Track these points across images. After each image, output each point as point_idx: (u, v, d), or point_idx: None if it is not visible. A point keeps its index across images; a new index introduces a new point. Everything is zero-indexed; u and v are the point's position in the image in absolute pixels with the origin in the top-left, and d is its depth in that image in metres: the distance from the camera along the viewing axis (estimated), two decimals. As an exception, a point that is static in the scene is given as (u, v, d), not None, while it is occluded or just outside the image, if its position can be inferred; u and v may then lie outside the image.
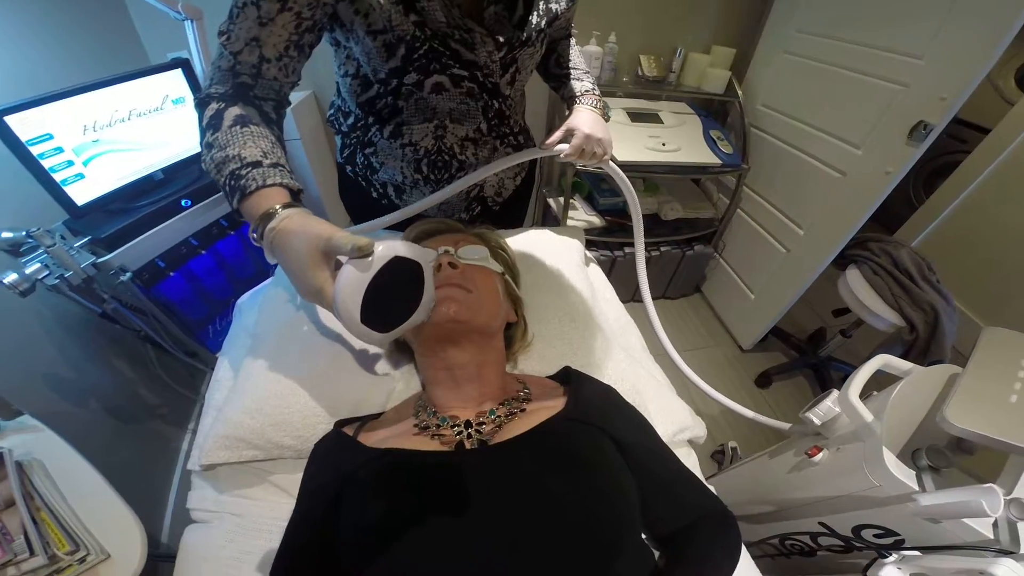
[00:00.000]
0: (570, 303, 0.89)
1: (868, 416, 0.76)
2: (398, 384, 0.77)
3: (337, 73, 0.81)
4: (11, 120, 0.92)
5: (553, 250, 1.03)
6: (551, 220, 2.02)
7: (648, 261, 1.97)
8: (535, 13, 0.76)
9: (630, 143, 1.65)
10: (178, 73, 1.19)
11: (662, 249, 1.98)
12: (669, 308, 2.22)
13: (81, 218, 1.09)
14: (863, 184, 1.41)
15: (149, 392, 1.45)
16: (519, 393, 0.66)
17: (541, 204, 2.14)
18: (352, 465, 0.57)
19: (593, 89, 0.95)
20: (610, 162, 0.94)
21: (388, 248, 0.50)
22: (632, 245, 1.82)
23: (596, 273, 1.15)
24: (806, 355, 1.92)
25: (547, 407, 0.63)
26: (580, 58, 0.99)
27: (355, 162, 0.92)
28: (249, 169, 0.55)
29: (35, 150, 0.97)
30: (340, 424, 0.68)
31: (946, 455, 0.70)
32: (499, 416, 0.61)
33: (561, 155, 0.88)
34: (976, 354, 0.76)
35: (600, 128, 0.88)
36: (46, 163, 0.99)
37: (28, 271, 0.98)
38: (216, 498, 0.73)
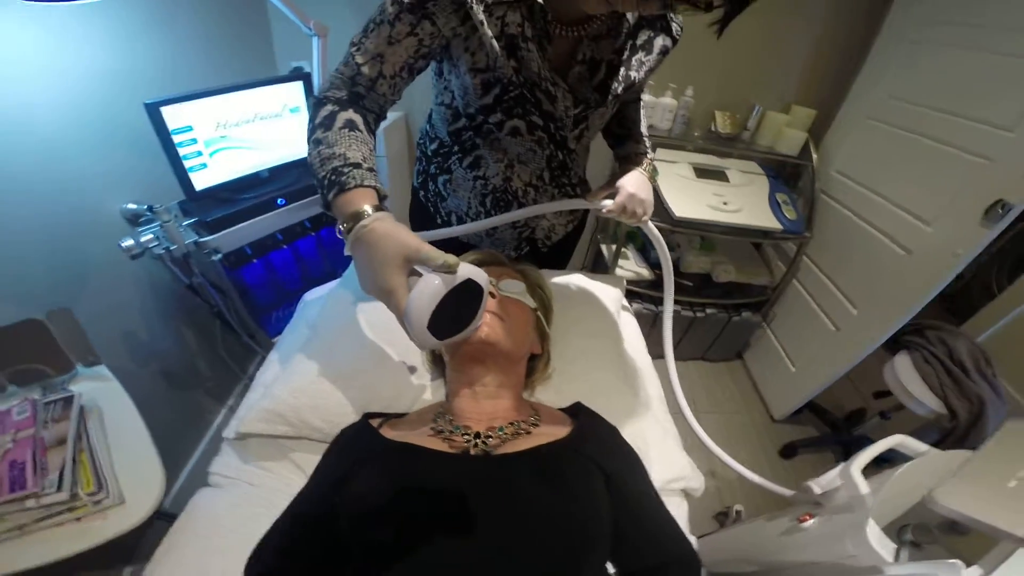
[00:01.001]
0: (596, 346, 0.95)
1: (863, 489, 0.79)
2: (427, 392, 0.85)
3: (433, 101, 0.91)
4: (165, 111, 1.10)
5: (591, 295, 1.08)
6: (601, 267, 2.06)
7: (691, 321, 1.97)
8: (615, 80, 0.82)
9: (692, 199, 1.68)
10: (299, 85, 1.35)
11: (708, 311, 1.95)
12: (706, 370, 2.19)
13: (194, 201, 1.26)
14: (928, 265, 1.35)
15: (205, 364, 1.60)
16: (529, 418, 0.71)
17: (593, 250, 2.18)
18: (368, 452, 0.65)
19: (647, 152, 1.00)
20: (648, 224, 0.97)
21: (466, 269, 0.58)
22: (676, 303, 1.82)
23: (629, 322, 1.18)
24: (839, 432, 1.85)
25: (551, 433, 0.68)
26: (644, 122, 1.03)
27: (428, 188, 1.02)
28: (351, 169, 0.61)
29: (176, 138, 1.14)
30: (368, 416, 0.75)
31: (932, 532, 0.72)
32: (506, 433, 0.67)
33: (604, 210, 0.92)
34: (991, 440, 0.77)
35: (644, 190, 0.92)
36: (182, 151, 1.17)
37: (142, 239, 1.15)
38: (238, 466, 0.80)
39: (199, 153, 1.21)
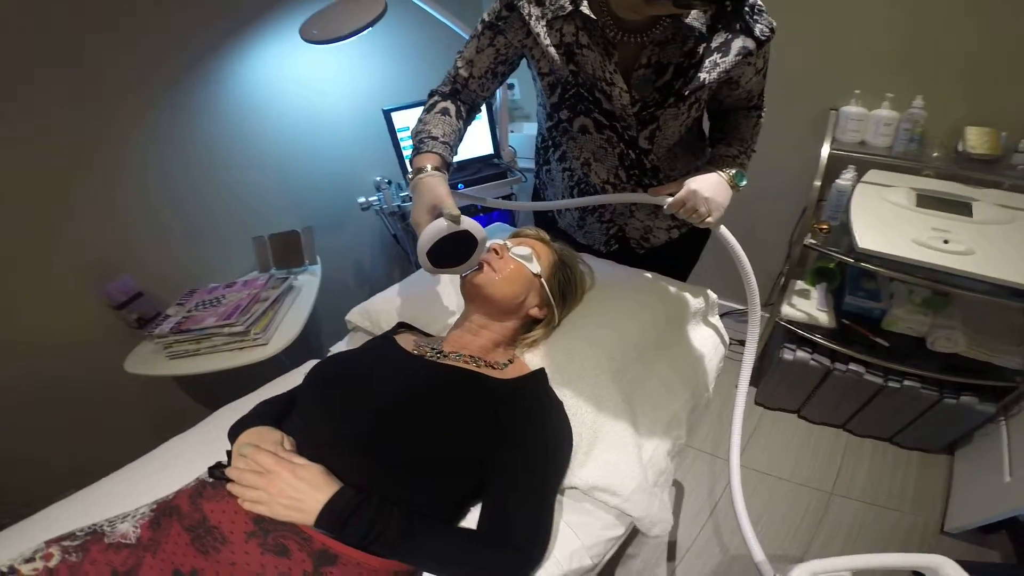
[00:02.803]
0: (606, 337, 0.92)
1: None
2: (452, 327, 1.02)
3: (535, 102, 1.10)
4: (394, 115, 1.62)
5: (653, 296, 1.05)
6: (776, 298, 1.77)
7: (878, 390, 1.52)
8: (680, 80, 0.85)
9: (895, 230, 1.29)
10: None
11: (905, 383, 1.45)
12: (888, 454, 1.66)
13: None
14: None
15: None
16: (494, 361, 0.84)
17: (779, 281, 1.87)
18: (373, 340, 0.92)
19: (736, 156, 0.95)
20: (720, 228, 0.92)
21: (465, 223, 0.77)
22: (860, 363, 1.51)
23: (703, 338, 1.09)
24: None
25: (498, 374, 0.79)
26: (748, 133, 0.98)
27: (539, 177, 1.21)
28: (429, 140, 0.86)
29: (400, 134, 1.66)
30: (400, 324, 1.02)
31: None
32: (462, 358, 0.82)
33: (664, 206, 0.92)
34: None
35: (711, 189, 0.89)
36: (402, 144, 1.68)
37: (371, 198, 1.71)
38: (342, 348, 1.14)
39: (413, 146, 1.71)
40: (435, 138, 0.86)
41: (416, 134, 0.89)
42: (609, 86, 0.86)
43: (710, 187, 0.89)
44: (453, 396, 0.72)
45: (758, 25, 0.79)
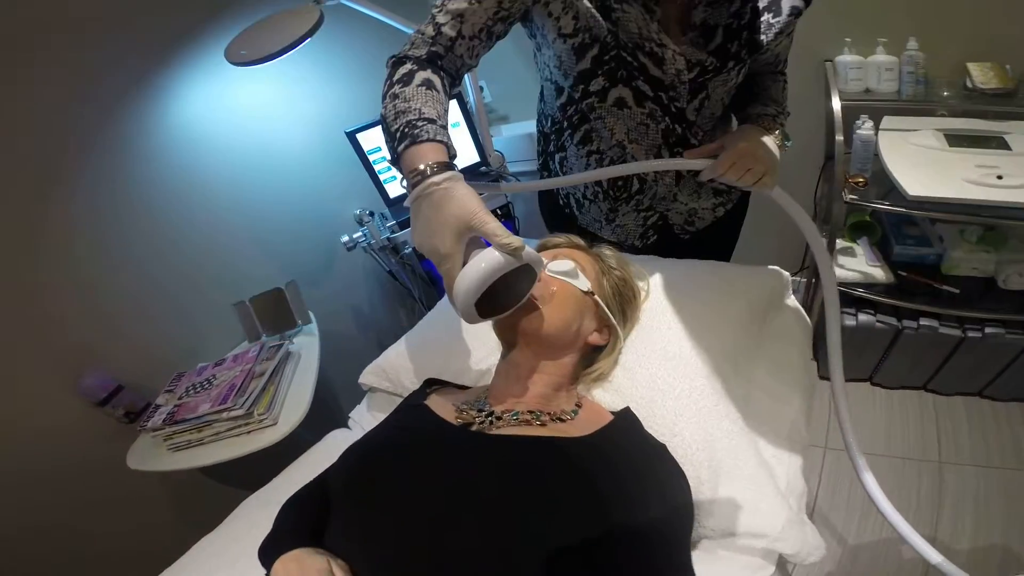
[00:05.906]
0: (690, 351, 0.76)
1: None
2: (490, 375, 0.84)
3: (540, 78, 0.92)
4: (360, 136, 1.42)
5: (724, 289, 0.89)
6: (811, 262, 1.67)
7: (958, 343, 1.41)
8: (735, 43, 0.75)
9: (940, 173, 1.20)
10: (454, 102, 1.52)
11: (987, 331, 1.36)
12: (982, 411, 1.55)
13: (391, 207, 1.59)
14: None
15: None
16: (560, 411, 0.65)
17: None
18: (399, 410, 0.73)
19: (776, 116, 0.85)
20: (776, 188, 0.79)
21: (528, 255, 0.55)
22: (933, 316, 1.39)
23: (792, 325, 0.96)
24: None
25: (567, 431, 0.61)
26: (780, 95, 0.90)
27: (548, 168, 1.02)
28: (424, 123, 0.59)
29: (371, 157, 1.46)
30: (429, 382, 0.81)
31: None
32: (519, 419, 0.62)
33: (702, 172, 0.80)
34: None
35: (761, 147, 0.79)
36: (376, 167, 1.49)
37: (355, 236, 1.52)
38: (363, 413, 0.98)
39: (389, 168, 1.53)
40: (431, 120, 0.60)
41: (397, 116, 0.61)
42: (660, 48, 0.73)
43: (759, 146, 0.79)
44: (523, 478, 0.53)
45: None
